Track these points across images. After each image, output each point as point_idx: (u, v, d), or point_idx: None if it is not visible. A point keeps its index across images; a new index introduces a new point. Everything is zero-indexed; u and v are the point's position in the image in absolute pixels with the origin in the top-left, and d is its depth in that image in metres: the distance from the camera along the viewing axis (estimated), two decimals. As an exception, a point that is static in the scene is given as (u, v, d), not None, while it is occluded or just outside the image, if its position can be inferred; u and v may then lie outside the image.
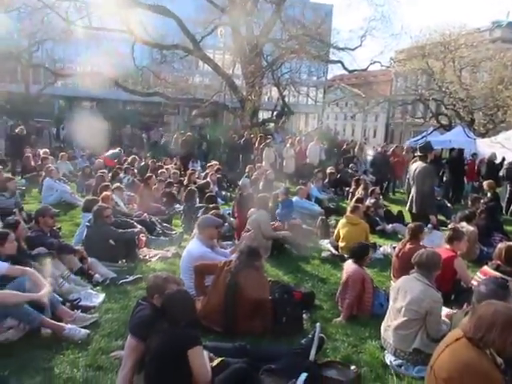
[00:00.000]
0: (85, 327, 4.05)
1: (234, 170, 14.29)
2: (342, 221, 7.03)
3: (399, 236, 7.83)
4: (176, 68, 26.05)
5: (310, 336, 3.74)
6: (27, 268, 4.24)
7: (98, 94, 38.05)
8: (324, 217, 8.41)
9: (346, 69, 22.11)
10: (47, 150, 14.02)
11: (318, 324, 3.84)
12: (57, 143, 20.73)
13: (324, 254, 6.80)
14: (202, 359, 2.82)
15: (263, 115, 26.00)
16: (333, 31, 24.38)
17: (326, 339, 3.91)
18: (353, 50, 21.60)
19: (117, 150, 14.46)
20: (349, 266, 4.81)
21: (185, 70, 28.69)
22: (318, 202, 9.74)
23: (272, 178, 11.07)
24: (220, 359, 3.17)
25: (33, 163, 12.88)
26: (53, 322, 3.93)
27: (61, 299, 4.37)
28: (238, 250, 4.60)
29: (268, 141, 14.87)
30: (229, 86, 20.59)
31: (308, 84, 34.44)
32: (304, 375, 3.25)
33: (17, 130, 14.67)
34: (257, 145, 15.47)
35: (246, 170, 12.10)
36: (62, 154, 13.96)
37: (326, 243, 7.34)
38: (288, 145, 14.63)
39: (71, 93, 37.59)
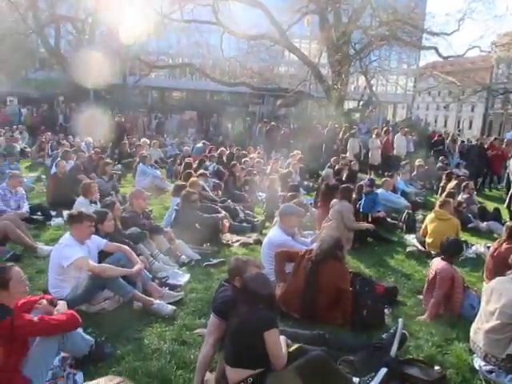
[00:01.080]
0: (171, 304, 4.30)
1: (316, 160, 14.15)
2: (431, 215, 6.67)
3: (494, 235, 7.26)
4: (262, 58, 26.31)
5: (391, 331, 3.63)
6: (123, 245, 4.59)
7: (187, 84, 39.84)
8: (410, 211, 8.05)
9: (440, 55, 20.78)
10: (146, 140, 14.91)
11: (400, 319, 3.71)
12: (149, 132, 22.00)
13: (409, 249, 6.52)
14: (278, 342, 2.86)
15: (349, 105, 25.38)
16: (427, 15, 22.92)
17: (409, 336, 3.76)
18: (449, 34, 20.23)
19: (201, 145, 14.93)
20: (438, 262, 4.55)
21: (271, 59, 28.89)
22: (405, 195, 9.32)
23: (356, 169, 10.82)
24: (297, 345, 3.20)
25: (128, 150, 13.82)
26: (143, 296, 4.23)
27: (150, 276, 4.69)
28: (319, 239, 4.57)
29: (353, 131, 14.50)
30: (314, 76, 20.37)
31: (398, 72, 32.87)
32: (384, 370, 3.17)
33: (116, 119, 15.83)
34: (341, 135, 15.17)
35: (330, 161, 11.92)
36: (153, 141, 14.83)
37: (411, 238, 7.02)
38: (374, 135, 14.14)
39: (163, 84, 39.56)
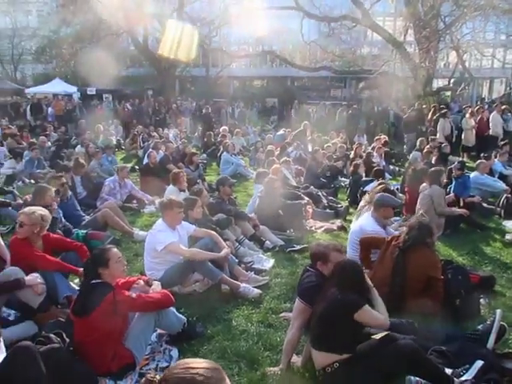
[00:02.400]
0: (257, 287, 4.42)
1: (403, 143, 13.54)
2: (534, 200, 6.10)
3: None
4: (343, 40, 25.53)
5: (488, 322, 3.41)
6: (210, 231, 4.79)
7: (267, 72, 40.02)
8: (509, 195, 7.40)
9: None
10: (226, 128, 15.34)
11: (498, 310, 3.46)
12: (231, 120, 22.53)
13: (508, 237, 6.03)
14: (371, 315, 2.92)
15: (438, 83, 23.80)
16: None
17: (508, 328, 3.50)
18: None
19: (282, 132, 14.94)
20: None
21: (352, 41, 27.92)
22: (503, 178, 8.58)
23: (447, 152, 10.19)
24: (385, 333, 3.13)
25: (212, 140, 14.28)
26: (231, 280, 4.40)
27: (237, 261, 4.86)
28: (407, 225, 4.39)
29: (443, 111, 13.60)
30: (400, 54, 19.34)
31: (495, 44, 30.03)
32: (479, 363, 3.00)
33: (204, 110, 16.46)
34: (430, 116, 14.31)
35: (417, 143, 11.34)
36: (236, 130, 15.18)
37: (510, 224, 6.48)
38: (467, 115, 13.14)
39: (244, 73, 40.11)
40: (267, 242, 5.71)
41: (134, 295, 3.08)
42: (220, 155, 11.27)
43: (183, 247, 4.40)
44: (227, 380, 1.23)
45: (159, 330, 3.52)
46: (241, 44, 36.23)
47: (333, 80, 31.19)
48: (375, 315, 2.95)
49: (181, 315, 3.58)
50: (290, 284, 4.50)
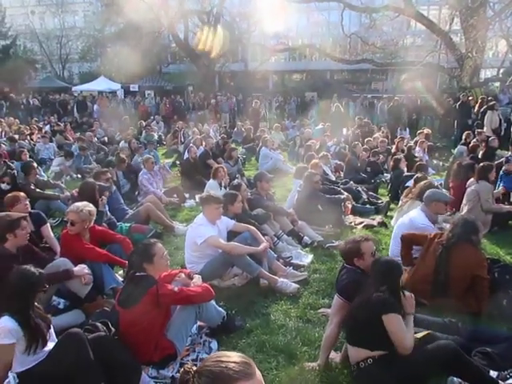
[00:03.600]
0: (295, 283, 4.42)
1: (447, 136, 13.09)
2: None
3: None
4: (385, 31, 24.93)
5: (537, 324, 3.28)
6: (249, 225, 4.84)
7: (307, 65, 39.68)
8: (563, 191, 7.02)
9: None
10: (266, 124, 15.36)
11: (549, 313, 3.32)
12: (270, 115, 22.51)
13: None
14: (398, 326, 2.78)
15: (486, 74, 22.79)
16: None
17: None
18: None
19: (321, 126, 14.78)
20: None
21: (395, 32, 27.21)
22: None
23: (495, 146, 9.75)
24: (426, 332, 3.07)
25: (251, 134, 14.34)
26: (269, 274, 4.43)
27: (275, 255, 4.88)
28: (452, 222, 4.26)
29: (491, 103, 13.01)
30: (445, 44, 18.67)
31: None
32: (527, 366, 2.89)
33: (253, 105, 16.68)
34: (477, 108, 13.74)
35: (463, 137, 10.92)
36: (275, 125, 15.16)
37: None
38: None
39: (283, 67, 39.96)
40: (306, 237, 5.69)
41: (176, 289, 3.16)
42: (259, 150, 11.30)
43: (222, 241, 4.47)
44: (258, 374, 1.24)
45: (199, 323, 3.60)
46: (279, 38, 36.05)
47: (374, 72, 30.55)
48: (403, 329, 2.80)
49: (220, 308, 3.64)
50: (328, 280, 4.48)
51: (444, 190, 7.36)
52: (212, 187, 6.96)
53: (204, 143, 10.82)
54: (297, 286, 4.34)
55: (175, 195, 8.00)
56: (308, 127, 14.94)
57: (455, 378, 2.81)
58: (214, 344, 3.45)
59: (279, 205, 6.40)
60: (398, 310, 2.85)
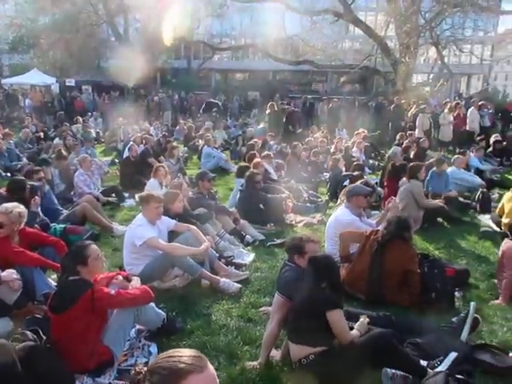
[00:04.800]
0: (237, 282, 4.42)
1: (383, 137, 13.68)
2: (508, 194, 6.23)
3: None
4: (325, 34, 25.62)
5: (462, 315, 3.50)
6: (191, 225, 4.77)
7: (249, 65, 39.89)
8: (485, 189, 7.57)
9: (522, 19, 18.99)
10: (210, 122, 15.24)
11: (472, 303, 3.56)
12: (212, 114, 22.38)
13: (483, 230, 6.18)
14: (340, 322, 2.88)
15: (418, 78, 24.09)
16: (508, -24, 20.95)
17: (482, 321, 3.60)
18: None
19: (262, 125, 14.89)
20: (505, 243, 4.33)
21: (334, 35, 28.04)
22: (479, 173, 8.78)
23: (425, 147, 10.34)
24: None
25: (193, 133, 14.19)
26: (211, 274, 4.40)
27: (217, 255, 4.85)
28: (386, 220, 4.47)
29: (422, 106, 13.79)
30: (381, 49, 19.54)
31: (472, 41, 30.51)
32: (453, 354, 3.08)
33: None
34: (410, 111, 14.50)
35: (397, 138, 11.48)
36: (218, 123, 15.11)
37: (485, 219, 6.65)
38: (446, 110, 13.35)
39: (226, 66, 39.93)
40: (248, 236, 5.72)
41: (112, 292, 3.05)
42: (201, 149, 11.21)
43: (163, 242, 4.37)
44: (210, 367, 1.24)
45: (138, 326, 3.50)
46: (223, 36, 35.96)
47: (314, 74, 31.29)
48: (345, 324, 2.92)
49: (160, 310, 3.56)
50: (269, 278, 4.52)
51: (379, 189, 7.76)
52: (152, 186, 6.80)
53: (145, 141, 10.55)
54: (239, 285, 4.34)
55: (113, 194, 7.74)
56: (250, 126, 15.02)
57: (389, 369, 2.94)
58: (154, 348, 3.37)
59: (221, 204, 6.40)
60: (340, 305, 2.94)
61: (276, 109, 14.02)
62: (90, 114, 18.95)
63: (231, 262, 4.96)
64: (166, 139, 11.21)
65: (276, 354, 3.27)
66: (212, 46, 28.40)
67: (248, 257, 5.17)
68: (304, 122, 17.64)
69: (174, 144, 10.68)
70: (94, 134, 14.39)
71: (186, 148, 12.85)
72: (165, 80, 32.44)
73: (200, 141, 12.22)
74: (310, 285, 2.94)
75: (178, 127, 16.36)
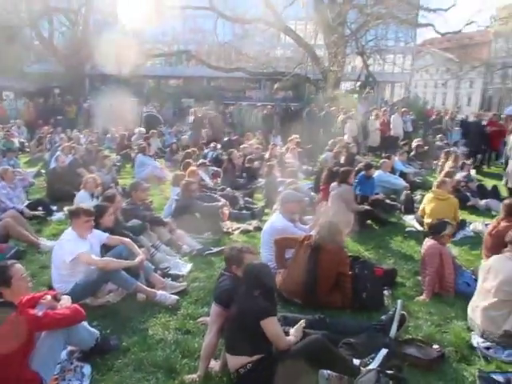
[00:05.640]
0: (174, 294, 4.36)
1: (315, 143, 14.11)
2: (429, 195, 6.70)
3: (493, 213, 7.30)
4: (258, 42, 26.04)
5: (390, 312, 3.71)
6: (124, 238, 4.64)
7: (183, 72, 39.49)
8: (409, 191, 8.07)
9: (437, 32, 20.52)
10: (142, 129, 14.90)
11: (399, 301, 3.77)
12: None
13: (408, 230, 6.58)
14: (275, 329, 2.93)
15: (346, 86, 25.18)
16: (423, -8, 22.60)
17: (408, 317, 3.83)
18: (446, 10, 19.93)
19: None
20: (426, 241, 4.65)
21: (266, 43, 28.56)
22: (403, 175, 9.34)
23: (354, 152, 10.81)
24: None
25: (126, 141, 13.80)
26: (146, 288, 4.30)
27: (153, 267, 4.75)
28: (318, 225, 4.62)
29: (351, 113, 14.43)
30: (311, 58, 20.21)
31: (395, 51, 32.44)
32: (383, 351, 3.24)
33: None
34: (339, 117, 15.10)
35: (328, 144, 11.89)
36: (152, 131, 14.79)
37: (410, 219, 7.08)
38: (373, 117, 14.08)
39: (159, 72, 39.22)
40: (184, 246, 5.67)
41: (40, 313, 2.89)
42: (135, 157, 10.94)
43: (95, 257, 4.21)
44: None
45: (70, 347, 3.34)
46: (155, 42, 35.31)
47: (248, 81, 31.61)
48: (280, 330, 2.98)
49: (93, 329, 3.43)
50: (207, 288, 4.50)
51: (313, 194, 8.01)
52: (82, 198, 6.54)
53: (73, 151, 10.11)
54: (176, 297, 4.29)
55: (40, 208, 7.32)
56: (185, 133, 14.90)
57: (325, 371, 3.04)
58: (87, 368, 3.23)
59: (156, 214, 6.28)
60: (273, 312, 3.00)
61: (200, 115, 14.17)
62: (12, 121, 17.81)
63: (168, 273, 4.88)
64: (96, 148, 10.80)
65: (215, 364, 3.27)
66: (144, 52, 27.77)
67: (185, 267, 5.11)
68: (240, 128, 17.84)
69: (106, 153, 10.34)
70: (17, 144, 13.56)
71: (118, 157, 12.48)
72: (94, 86, 31.25)
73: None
74: (243, 294, 2.98)
75: (109, 135, 15.84)
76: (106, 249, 4.54)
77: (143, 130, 14.64)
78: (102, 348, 3.37)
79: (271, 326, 2.88)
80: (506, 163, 6.70)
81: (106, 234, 4.61)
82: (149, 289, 4.30)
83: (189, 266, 5.13)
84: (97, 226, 4.54)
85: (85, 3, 23.77)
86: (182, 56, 33.74)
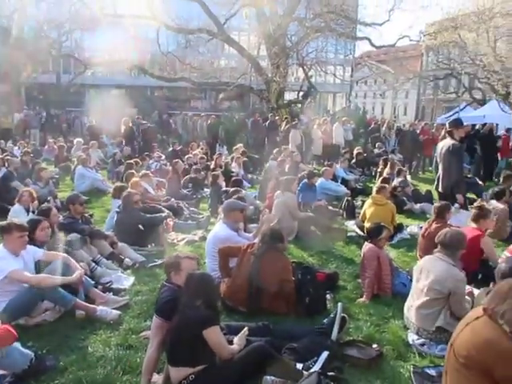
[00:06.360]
0: (116, 309, 4.24)
1: (260, 152, 14.30)
2: (368, 201, 6.99)
3: (427, 216, 7.71)
4: (201, 52, 26.05)
5: (332, 316, 3.80)
6: (61, 253, 4.46)
7: (126, 81, 38.69)
8: (350, 198, 8.37)
9: (373, 45, 21.47)
10: (81, 140, 14.40)
11: (339, 304, 3.89)
12: (88, 132, 21.20)
13: (349, 235, 6.80)
14: (218, 339, 2.92)
15: (289, 96, 25.74)
16: (359, 7, 23.69)
17: (349, 319, 3.95)
18: (380, 25, 20.89)
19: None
20: (365, 245, 4.85)
21: (210, 53, 28.65)
22: (345, 182, 9.68)
23: (298, 160, 11.05)
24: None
25: (65, 153, 13.28)
26: (86, 304, 4.15)
27: (93, 282, 4.59)
28: (260, 232, 4.67)
29: (294, 122, 14.76)
30: (254, 68, 20.46)
31: (335, 63, 33.68)
32: (325, 354, 3.32)
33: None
34: (283, 126, 15.40)
35: (273, 153, 12.07)
36: (92, 142, 14.33)
37: (351, 224, 7.33)
38: (315, 126, 14.48)
39: (100, 81, 38.19)
40: (127, 259, 5.51)
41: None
42: (74, 169, 10.55)
43: (29, 274, 4.00)
44: None
45: (1, 371, 3.15)
46: (95, 51, 34.36)
47: (193, 91, 31.51)
48: (223, 339, 2.98)
49: (27, 350, 3.25)
50: (150, 301, 4.41)
51: (258, 201, 8.10)
52: (17, 213, 6.23)
53: (7, 163, 9.58)
54: (118, 312, 4.17)
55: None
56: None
57: (269, 377, 3.06)
58: (20, 392, 3.06)
59: (97, 227, 6.08)
60: (216, 321, 2.98)
61: (130, 124, 14.04)
62: None
63: (109, 287, 4.73)
64: (32, 160, 10.31)
65: (158, 378, 3.20)
66: (83, 60, 26.92)
67: (127, 281, 4.98)
68: (184, 138, 17.76)
69: (43, 165, 9.90)
70: None
71: (56, 169, 11.97)
72: (31, 96, 29.90)
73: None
74: (185, 304, 2.95)
75: (46, 146, 15.17)
76: (42, 265, 4.33)
77: (81, 140, 14.12)
78: (37, 369, 3.20)
79: (214, 335, 2.87)
80: (437, 169, 7.09)
81: (42, 250, 4.41)
82: (88, 305, 4.15)
83: (131, 280, 5.00)
84: (32, 242, 4.33)
85: (18, 8, 22.73)
86: (123, 65, 33.08)
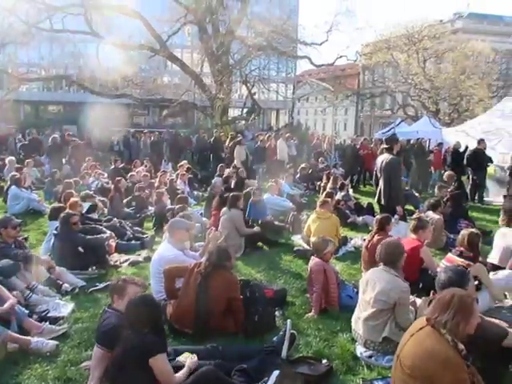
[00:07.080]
0: (54, 338, 3.97)
1: (205, 169, 14.21)
2: (312, 216, 7.09)
3: (370, 228, 7.94)
4: (143, 68, 25.70)
5: (281, 333, 3.77)
6: (-10, 282, 4.12)
7: (64, 97, 37.38)
8: (296, 212, 8.47)
9: (313, 64, 22.20)
10: (13, 158, 13.60)
11: (288, 320, 3.87)
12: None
13: (296, 249, 6.86)
14: (165, 367, 2.80)
15: (234, 113, 25.95)
16: (299, 27, 24.42)
17: (298, 335, 3.94)
18: (319, 44, 21.66)
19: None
20: (311, 260, 4.89)
21: (152, 70, 28.35)
22: (290, 197, 9.80)
23: (243, 176, 11.08)
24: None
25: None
26: (18, 336, 3.84)
27: (27, 312, 4.28)
28: (207, 251, 4.58)
29: (238, 138, 14.84)
30: (197, 85, 20.46)
31: (277, 80, 34.47)
32: (276, 373, 3.26)
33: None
34: (227, 143, 15.43)
35: (218, 169, 12.04)
36: (28, 160, 13.57)
37: (297, 238, 7.40)
38: (259, 142, 14.63)
39: (37, 97, 36.65)
40: (65, 284, 5.19)
41: None
42: (7, 190, 9.91)
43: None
44: None
45: None
46: (30, 66, 32.91)
47: (135, 107, 30.90)
48: (169, 370, 2.86)
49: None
50: (91, 328, 4.15)
51: (204, 219, 7.99)
52: None
53: None
54: (55, 342, 3.89)
55: None
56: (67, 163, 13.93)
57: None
58: None
59: (32, 251, 5.70)
60: (163, 348, 2.85)
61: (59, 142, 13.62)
62: None
63: (45, 316, 4.42)
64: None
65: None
66: (17, 76, 25.66)
67: (66, 308, 4.68)
68: (127, 155, 17.29)
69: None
70: None
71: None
72: (-43, 112, 27.99)
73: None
74: (130, 331, 2.80)
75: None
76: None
77: (13, 159, 13.29)
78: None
79: (160, 363, 2.74)
80: (377, 182, 7.35)
81: (-31, 279, 4.06)
82: (22, 336, 3.84)
83: (70, 306, 4.71)
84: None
85: None
86: (61, 81, 31.96)
